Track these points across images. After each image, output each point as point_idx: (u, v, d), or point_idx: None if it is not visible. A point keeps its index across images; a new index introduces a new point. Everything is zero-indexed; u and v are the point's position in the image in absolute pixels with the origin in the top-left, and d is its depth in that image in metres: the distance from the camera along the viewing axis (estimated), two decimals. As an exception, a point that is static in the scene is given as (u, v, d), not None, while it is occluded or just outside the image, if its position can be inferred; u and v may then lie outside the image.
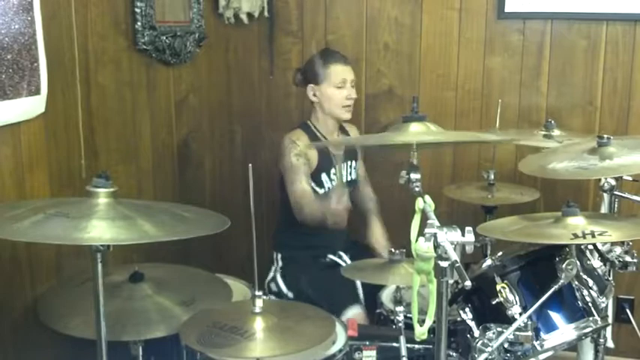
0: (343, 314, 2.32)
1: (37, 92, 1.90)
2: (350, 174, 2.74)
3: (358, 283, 2.48)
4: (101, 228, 1.41)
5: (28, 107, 1.87)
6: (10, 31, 1.78)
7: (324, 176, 2.63)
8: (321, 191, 2.62)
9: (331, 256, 2.69)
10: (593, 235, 1.80)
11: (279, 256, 2.69)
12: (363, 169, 2.89)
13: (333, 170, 2.65)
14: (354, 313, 2.36)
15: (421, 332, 1.51)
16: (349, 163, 2.74)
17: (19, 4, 1.80)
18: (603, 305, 1.99)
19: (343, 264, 2.66)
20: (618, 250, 2.10)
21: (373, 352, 1.98)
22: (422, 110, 1.77)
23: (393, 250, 2.05)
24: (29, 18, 1.84)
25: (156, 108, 2.71)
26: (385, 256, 2.16)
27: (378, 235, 2.70)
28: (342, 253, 2.70)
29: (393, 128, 1.81)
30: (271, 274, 2.67)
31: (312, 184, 2.60)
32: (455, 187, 2.87)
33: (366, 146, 2.90)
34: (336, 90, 2.62)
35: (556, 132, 2.57)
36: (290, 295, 2.59)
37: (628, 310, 2.92)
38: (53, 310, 1.78)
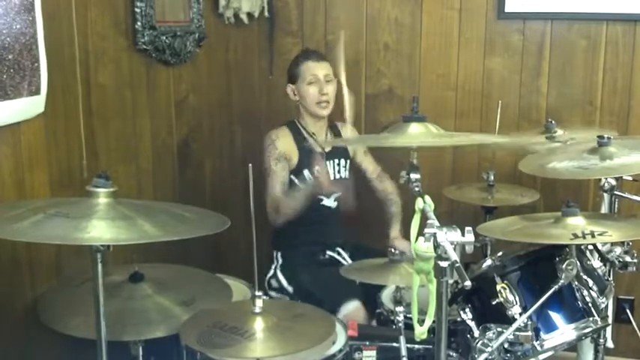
0: (341, 309, 2.32)
1: (37, 92, 1.89)
2: (338, 172, 2.75)
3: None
4: (101, 228, 1.41)
5: (27, 107, 1.87)
6: (11, 32, 1.77)
7: (306, 173, 2.64)
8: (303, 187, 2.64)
9: (330, 253, 2.70)
10: (593, 235, 1.80)
11: (279, 254, 2.69)
12: (374, 165, 2.88)
13: (317, 167, 2.65)
14: (352, 307, 2.36)
15: (421, 332, 1.51)
16: (337, 161, 2.74)
17: (20, 4, 1.80)
18: (603, 305, 2.00)
19: (342, 261, 2.68)
20: (618, 250, 2.10)
21: (373, 352, 1.98)
22: (422, 110, 1.77)
23: (393, 250, 2.05)
24: (30, 18, 1.84)
25: (156, 108, 2.71)
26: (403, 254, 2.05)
27: (396, 241, 2.72)
28: (340, 250, 2.71)
29: (393, 128, 1.81)
30: (271, 272, 2.68)
31: (295, 181, 2.63)
32: (455, 187, 2.87)
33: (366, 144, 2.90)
34: (309, 87, 2.65)
35: (559, 132, 2.56)
36: (290, 289, 2.60)
37: (628, 311, 2.92)
38: (53, 310, 1.78)
